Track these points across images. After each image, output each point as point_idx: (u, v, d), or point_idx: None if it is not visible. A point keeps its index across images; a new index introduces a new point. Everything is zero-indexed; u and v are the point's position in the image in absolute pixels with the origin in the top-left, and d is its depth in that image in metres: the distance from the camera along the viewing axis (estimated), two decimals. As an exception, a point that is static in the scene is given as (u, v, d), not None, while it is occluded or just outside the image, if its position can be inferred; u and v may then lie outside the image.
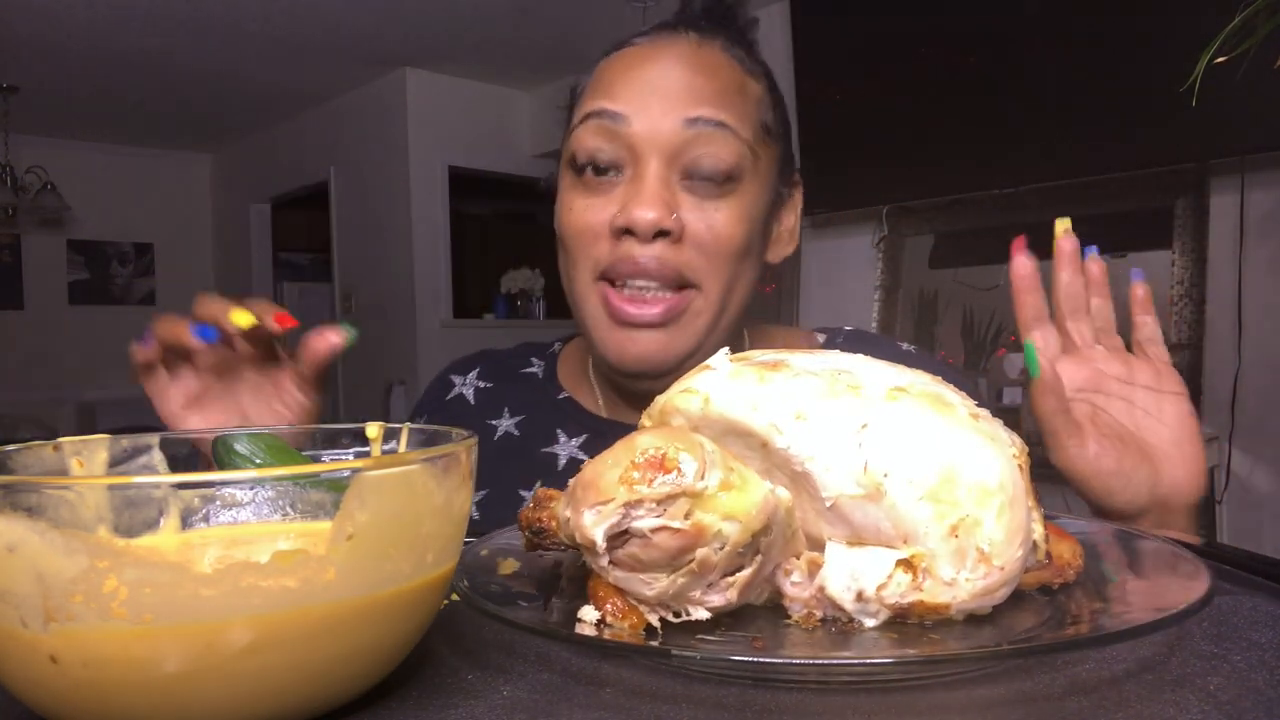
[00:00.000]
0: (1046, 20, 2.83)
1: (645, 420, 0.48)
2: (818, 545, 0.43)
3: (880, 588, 0.40)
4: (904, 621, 0.41)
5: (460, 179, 4.99)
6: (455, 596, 0.42)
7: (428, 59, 4.58)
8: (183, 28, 3.99)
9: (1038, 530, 0.43)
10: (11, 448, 0.40)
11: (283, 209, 6.27)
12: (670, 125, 0.75)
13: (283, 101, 5.22)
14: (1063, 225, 0.73)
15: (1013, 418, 2.76)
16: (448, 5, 3.86)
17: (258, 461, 0.48)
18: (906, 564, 0.40)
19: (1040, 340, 0.72)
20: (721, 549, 0.38)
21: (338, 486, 0.33)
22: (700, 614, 0.41)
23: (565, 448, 0.89)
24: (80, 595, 0.30)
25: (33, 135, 5.37)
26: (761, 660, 0.36)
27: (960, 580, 0.40)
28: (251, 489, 0.42)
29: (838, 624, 0.42)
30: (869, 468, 0.40)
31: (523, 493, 0.88)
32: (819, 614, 0.42)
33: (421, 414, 0.99)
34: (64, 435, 0.43)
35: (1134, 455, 0.68)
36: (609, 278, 0.78)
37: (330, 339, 0.72)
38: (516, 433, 0.92)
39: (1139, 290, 0.74)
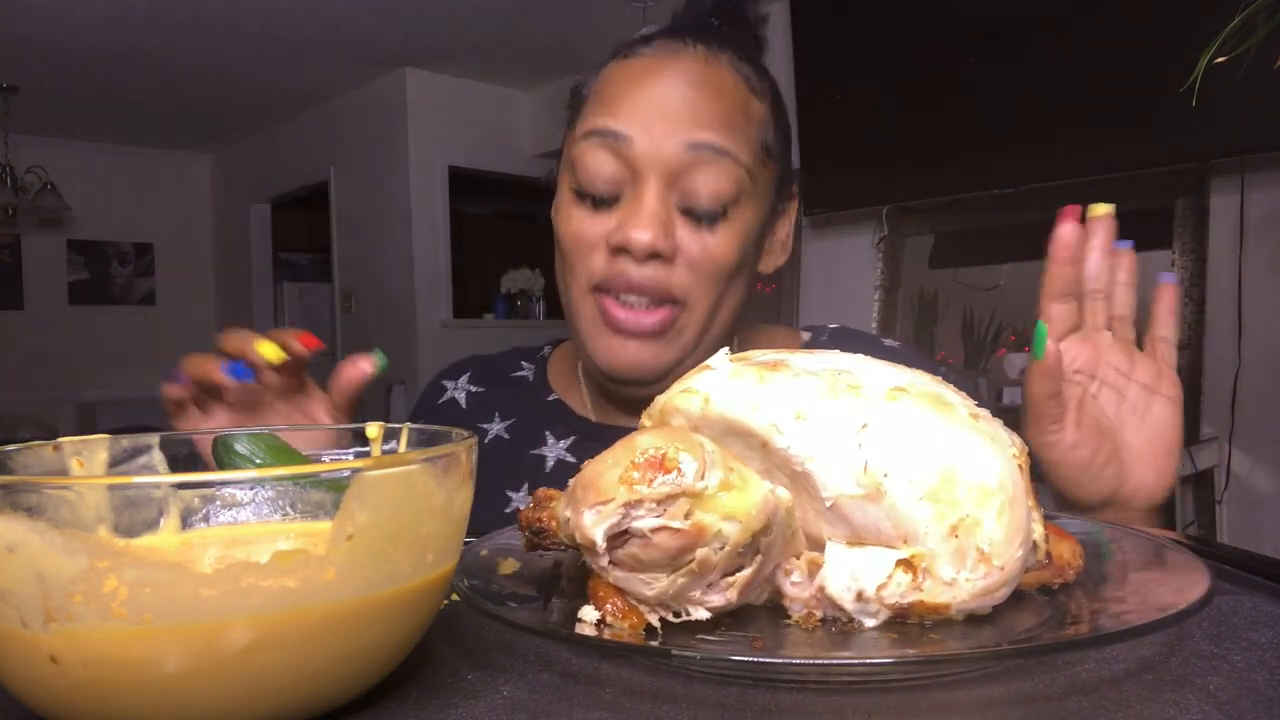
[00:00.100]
0: (1046, 20, 2.83)
1: (645, 420, 0.48)
2: (818, 545, 0.43)
3: (880, 588, 0.40)
4: (904, 621, 0.41)
5: (460, 179, 4.99)
6: (455, 596, 0.42)
7: (428, 59, 4.58)
8: (183, 28, 3.99)
9: (1038, 530, 0.43)
10: (11, 448, 0.40)
11: (283, 209, 6.27)
12: (672, 147, 0.76)
13: (283, 101, 5.22)
14: (1105, 209, 0.73)
15: (1013, 418, 2.75)
16: (448, 5, 3.86)
17: (258, 461, 0.48)
18: (906, 564, 0.40)
19: (1057, 315, 0.71)
20: (721, 549, 0.38)
21: (338, 486, 0.34)
22: (700, 614, 0.41)
23: (553, 449, 0.90)
24: (80, 595, 0.30)
25: (33, 135, 5.37)
26: (761, 660, 0.36)
27: (960, 580, 0.40)
28: (251, 489, 0.42)
29: (838, 624, 0.42)
30: (869, 468, 0.40)
31: (510, 494, 0.89)
32: (819, 614, 0.42)
33: (416, 421, 0.99)
34: (64, 435, 0.43)
35: (1107, 451, 0.69)
36: (603, 289, 0.79)
37: (362, 367, 0.71)
38: (507, 436, 0.93)
39: (1167, 292, 0.73)
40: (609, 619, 0.40)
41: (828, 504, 0.41)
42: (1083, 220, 0.73)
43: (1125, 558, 0.48)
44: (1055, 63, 2.81)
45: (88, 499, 0.34)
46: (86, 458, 0.43)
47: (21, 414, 5.26)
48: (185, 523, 0.41)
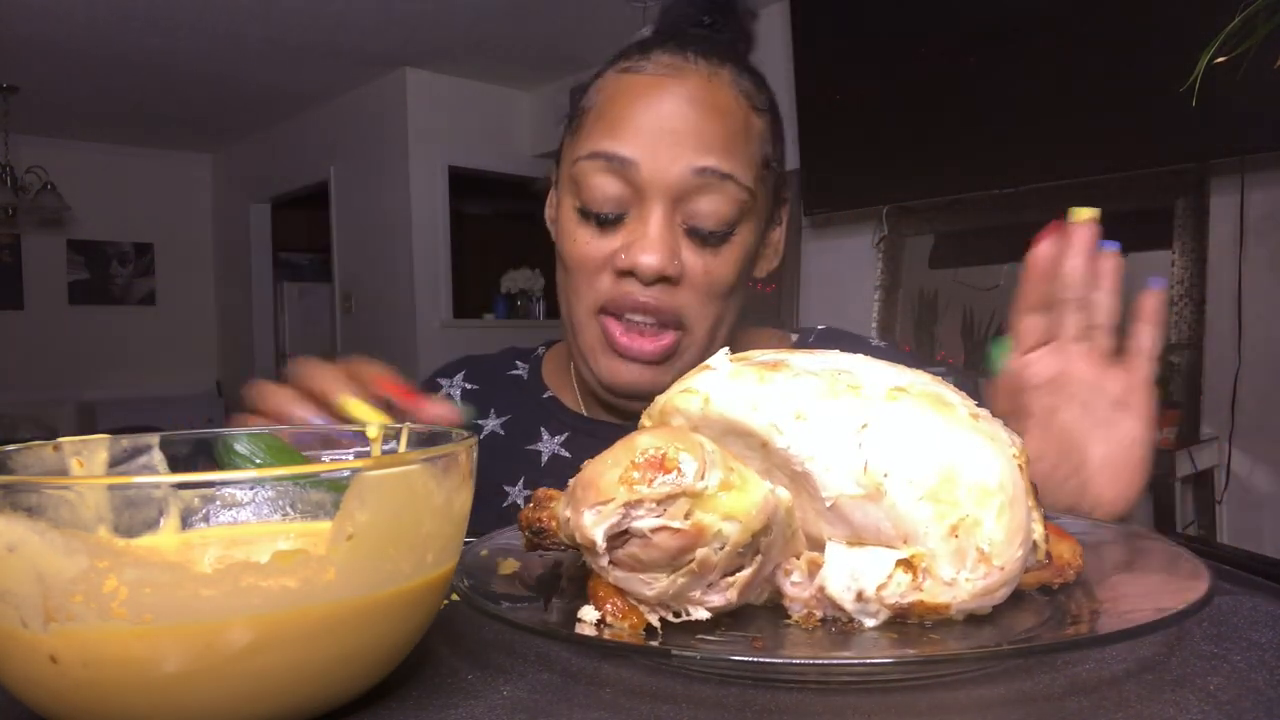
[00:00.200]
0: (1046, 20, 2.83)
1: (645, 420, 0.48)
2: (818, 545, 0.43)
3: (880, 588, 0.40)
4: (904, 621, 0.41)
5: (460, 179, 4.99)
6: (455, 596, 0.42)
7: (428, 59, 4.58)
8: (183, 28, 3.99)
9: (1038, 530, 0.43)
10: (11, 448, 0.40)
11: (283, 209, 6.27)
12: (678, 172, 0.76)
13: (283, 101, 5.22)
14: (1088, 213, 0.71)
15: (1013, 418, 2.76)
16: (448, 5, 3.86)
17: (258, 461, 0.48)
18: (906, 564, 0.40)
19: (1028, 328, 0.71)
20: (721, 549, 0.38)
21: (338, 486, 0.34)
22: (700, 614, 0.41)
23: (548, 445, 0.92)
24: (80, 595, 0.30)
25: (33, 135, 5.37)
26: (761, 660, 0.36)
27: (960, 580, 0.40)
28: (251, 489, 0.42)
29: (838, 624, 0.42)
30: (869, 468, 0.40)
31: (506, 488, 0.90)
32: (819, 614, 0.42)
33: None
34: (64, 435, 0.43)
35: (1069, 466, 0.68)
36: (609, 311, 0.80)
37: (445, 415, 0.69)
38: (502, 432, 0.94)
39: (1150, 301, 0.71)
40: (609, 619, 0.40)
41: (828, 504, 0.41)
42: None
43: (1125, 558, 0.48)
44: (1055, 63, 2.81)
45: (88, 499, 0.34)
46: (86, 458, 0.43)
47: (21, 414, 5.27)
48: (185, 523, 0.41)
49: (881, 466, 0.40)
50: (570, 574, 0.48)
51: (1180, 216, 2.71)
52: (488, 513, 0.86)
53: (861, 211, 3.46)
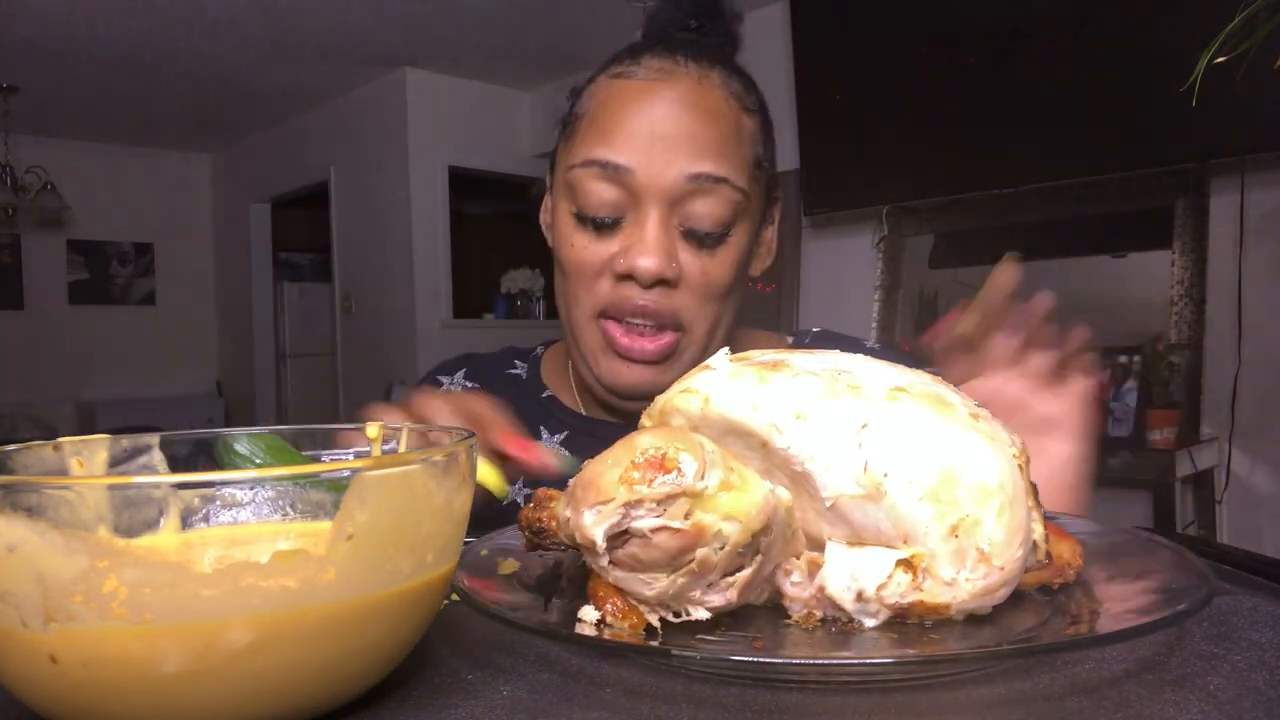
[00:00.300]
0: (1046, 20, 2.83)
1: (645, 420, 0.48)
2: (818, 545, 0.43)
3: (880, 588, 0.40)
4: (904, 621, 0.41)
5: (460, 179, 4.98)
6: (455, 596, 0.42)
7: (428, 59, 4.58)
8: (183, 28, 3.99)
9: (1038, 530, 0.43)
10: (11, 448, 0.40)
11: (283, 209, 6.27)
12: (673, 177, 0.77)
13: (283, 101, 5.22)
14: (1010, 260, 0.70)
15: (1013, 418, 2.76)
16: (448, 5, 3.86)
17: (258, 461, 0.48)
18: (906, 564, 0.40)
19: (951, 365, 0.71)
20: (721, 549, 0.38)
21: (338, 486, 0.34)
22: (700, 614, 0.41)
23: (547, 443, 0.93)
24: (80, 595, 0.30)
25: (33, 135, 5.37)
26: (761, 660, 0.36)
27: (960, 580, 0.40)
28: (251, 489, 0.42)
29: (838, 624, 0.42)
30: (869, 468, 0.40)
31: (508, 487, 0.90)
32: (819, 614, 0.42)
33: None
34: (64, 435, 0.43)
35: None
36: (609, 315, 0.81)
37: (549, 465, 0.68)
38: None
39: (1077, 333, 0.70)
40: (609, 619, 0.40)
41: (828, 504, 0.41)
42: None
43: (1125, 558, 0.48)
44: (1055, 63, 2.81)
45: (88, 499, 0.34)
46: (86, 458, 0.43)
47: (21, 414, 5.27)
48: (185, 523, 0.41)
49: (881, 466, 0.40)
50: (570, 574, 0.48)
51: (1180, 216, 2.71)
52: (487, 508, 0.87)
53: (861, 211, 3.46)
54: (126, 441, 0.44)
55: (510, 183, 5.17)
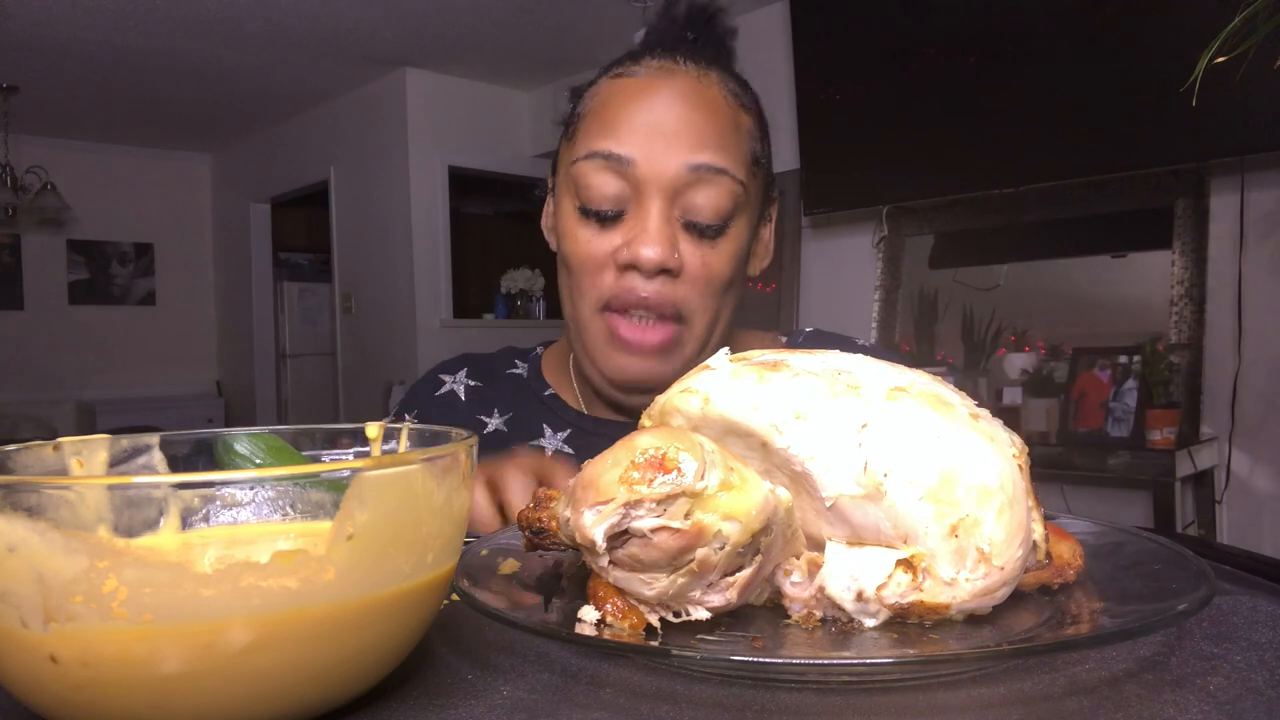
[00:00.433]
0: (1046, 20, 2.83)
1: (645, 420, 0.48)
2: (818, 545, 0.43)
3: (880, 588, 0.40)
4: (904, 621, 0.41)
5: (460, 179, 4.99)
6: (455, 596, 0.42)
7: (428, 59, 4.58)
8: (182, 27, 3.99)
9: (1038, 530, 0.43)
10: (11, 448, 0.40)
11: (283, 209, 6.27)
12: (674, 168, 0.79)
13: (283, 101, 5.22)
14: None
15: (1013, 418, 2.77)
16: (448, 5, 3.86)
17: (258, 461, 0.48)
18: (906, 564, 0.40)
19: None
20: (721, 549, 0.38)
21: (338, 486, 0.33)
22: (700, 614, 0.41)
23: (551, 441, 0.93)
24: (80, 595, 0.30)
25: (33, 135, 5.37)
26: (761, 660, 0.36)
27: (960, 580, 0.40)
28: (251, 489, 0.42)
29: (838, 624, 0.42)
30: (869, 468, 0.40)
31: None
32: (819, 614, 0.42)
33: (410, 411, 1.00)
34: (64, 435, 0.43)
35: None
36: (613, 308, 0.82)
37: None
38: (505, 430, 0.96)
39: None
40: (609, 619, 0.40)
41: (828, 504, 0.41)
42: None
43: (1125, 558, 0.48)
44: (1055, 63, 2.81)
45: (88, 499, 0.34)
46: (86, 458, 0.43)
47: (21, 414, 5.26)
48: (185, 523, 0.41)
49: (881, 466, 0.40)
50: (570, 574, 0.48)
51: (1180, 216, 2.71)
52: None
53: (861, 211, 3.47)
54: (126, 441, 0.44)
55: (510, 183, 5.17)
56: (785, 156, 3.50)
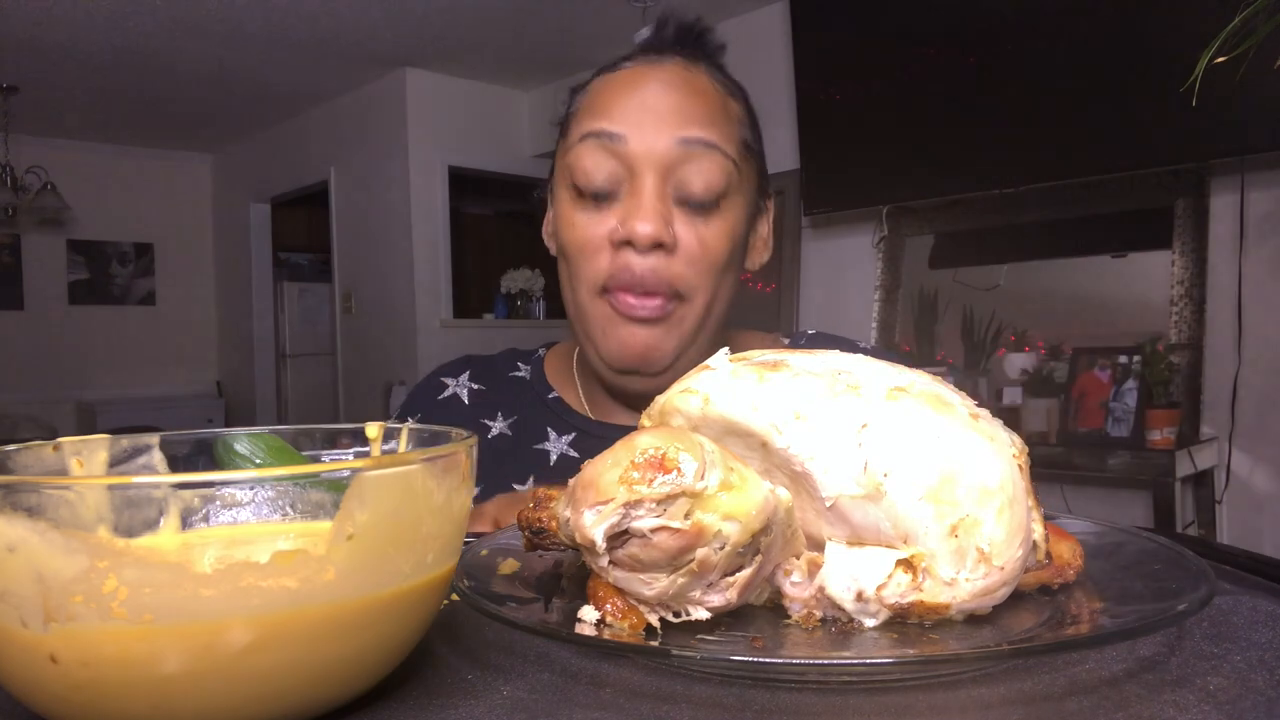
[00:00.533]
0: (1046, 20, 2.83)
1: (645, 420, 0.48)
2: (818, 545, 0.43)
3: (880, 588, 0.40)
4: (904, 621, 0.41)
5: (460, 179, 4.99)
6: (455, 596, 0.42)
7: (428, 59, 4.58)
8: (182, 28, 3.99)
9: (1038, 530, 0.43)
10: (11, 448, 0.40)
11: (283, 209, 6.27)
12: (665, 144, 0.80)
13: (283, 101, 5.22)
14: None
15: (1013, 418, 2.77)
16: (448, 5, 3.86)
17: (258, 461, 0.48)
18: (906, 564, 0.40)
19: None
20: (721, 549, 0.38)
21: (338, 486, 0.33)
22: (700, 614, 0.41)
23: (556, 445, 0.93)
24: (80, 595, 0.30)
25: (33, 135, 5.37)
26: (761, 660, 0.36)
27: (960, 580, 0.40)
28: (251, 489, 0.42)
29: (838, 624, 0.42)
30: (869, 468, 0.40)
31: (516, 487, 0.91)
32: (819, 614, 0.42)
33: (413, 414, 1.00)
34: (64, 435, 0.43)
35: None
36: (610, 288, 0.83)
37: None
38: (509, 433, 0.96)
39: None
40: (609, 619, 0.40)
41: (828, 504, 0.41)
42: None
43: (1125, 558, 0.48)
44: (1055, 63, 2.81)
45: (88, 499, 0.34)
46: (86, 458, 0.43)
47: (21, 414, 5.26)
48: (185, 523, 0.41)
49: (881, 466, 0.40)
50: (570, 574, 0.48)
51: (1180, 216, 2.71)
52: None
53: (861, 211, 3.47)
54: (126, 441, 0.44)
55: (510, 183, 5.17)
56: (785, 156, 3.50)
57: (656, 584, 0.39)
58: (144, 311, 6.35)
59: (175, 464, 0.46)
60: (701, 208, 0.81)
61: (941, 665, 0.38)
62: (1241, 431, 2.63)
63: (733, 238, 0.84)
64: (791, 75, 3.44)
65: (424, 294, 4.81)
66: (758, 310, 3.75)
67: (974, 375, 3.13)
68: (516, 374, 1.01)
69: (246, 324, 6.27)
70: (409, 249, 4.78)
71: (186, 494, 0.40)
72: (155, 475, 0.44)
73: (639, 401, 0.87)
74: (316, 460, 0.49)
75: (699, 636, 0.40)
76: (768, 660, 0.37)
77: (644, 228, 0.79)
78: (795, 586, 0.42)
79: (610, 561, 0.39)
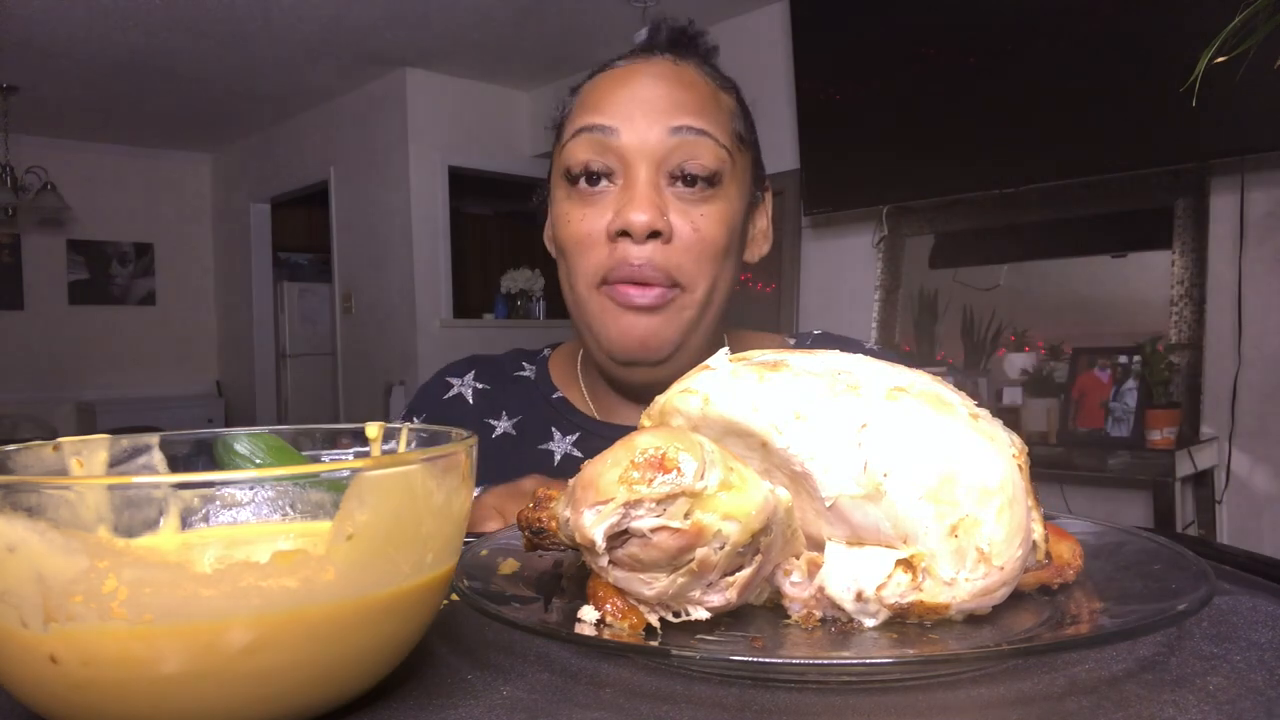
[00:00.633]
0: (1046, 20, 2.83)
1: (645, 420, 0.48)
2: (818, 545, 0.43)
3: (880, 588, 0.40)
4: (904, 621, 0.41)
5: (460, 179, 4.99)
6: (455, 596, 0.42)
7: (428, 59, 4.58)
8: (182, 28, 3.99)
9: (1038, 530, 0.43)
10: (11, 448, 0.40)
11: (283, 209, 6.27)
12: (657, 134, 0.81)
13: (283, 101, 5.22)
14: None
15: (1013, 418, 2.77)
16: (448, 5, 3.86)
17: (258, 461, 0.48)
18: (906, 564, 0.40)
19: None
20: (721, 549, 0.38)
21: (338, 486, 0.33)
22: (700, 614, 0.41)
23: (560, 444, 0.93)
24: (80, 595, 0.30)
25: (33, 135, 5.37)
26: (761, 660, 0.36)
27: (960, 580, 0.40)
28: (251, 489, 0.42)
29: (838, 624, 0.42)
30: (869, 468, 0.40)
31: None
32: (819, 614, 0.42)
33: (419, 414, 1.00)
34: (64, 435, 0.43)
35: None
36: (609, 280, 0.83)
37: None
38: (514, 432, 0.96)
39: None
40: (609, 619, 0.40)
41: (828, 504, 0.41)
42: None
43: (1125, 558, 0.48)
44: (1055, 63, 2.81)
45: (88, 499, 0.34)
46: (86, 458, 0.43)
47: (21, 414, 5.26)
48: (185, 523, 0.41)
49: (881, 466, 0.40)
50: (570, 574, 0.48)
51: (1180, 216, 2.71)
52: None
53: (861, 211, 3.47)
54: (126, 441, 0.44)
55: (510, 183, 5.17)
56: (785, 156, 3.50)
57: (656, 584, 0.39)
58: (144, 312, 6.35)
59: (175, 464, 0.46)
60: (696, 195, 0.82)
61: (941, 665, 0.38)
62: (1241, 431, 2.63)
63: (729, 226, 0.84)
64: (791, 75, 3.44)
65: (424, 294, 4.81)
66: (758, 310, 3.75)
67: (974, 375, 3.13)
68: (521, 374, 1.01)
69: (246, 324, 6.27)
70: (409, 249, 4.78)
71: (186, 494, 0.40)
72: (155, 475, 0.44)
73: (643, 394, 0.87)
74: (316, 460, 0.49)
75: (699, 636, 0.40)
76: (768, 660, 0.37)
77: (639, 216, 0.79)
78: (795, 586, 0.42)
79: (610, 561, 0.39)
